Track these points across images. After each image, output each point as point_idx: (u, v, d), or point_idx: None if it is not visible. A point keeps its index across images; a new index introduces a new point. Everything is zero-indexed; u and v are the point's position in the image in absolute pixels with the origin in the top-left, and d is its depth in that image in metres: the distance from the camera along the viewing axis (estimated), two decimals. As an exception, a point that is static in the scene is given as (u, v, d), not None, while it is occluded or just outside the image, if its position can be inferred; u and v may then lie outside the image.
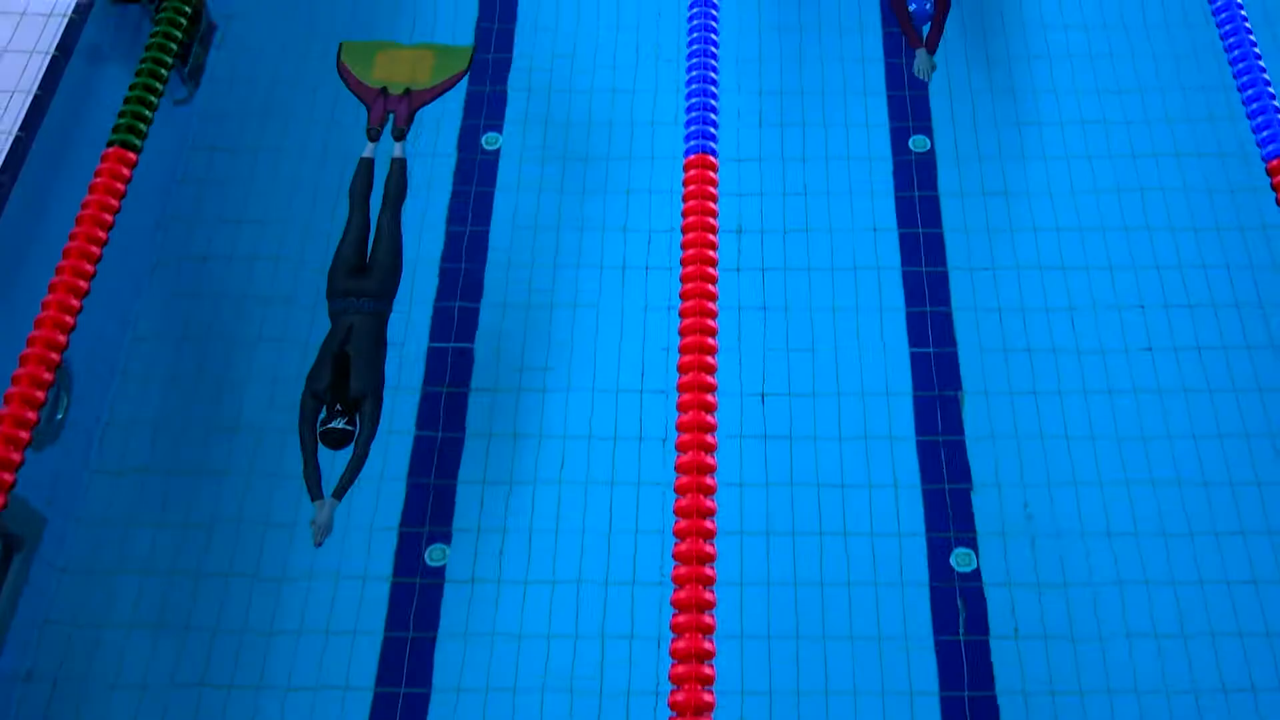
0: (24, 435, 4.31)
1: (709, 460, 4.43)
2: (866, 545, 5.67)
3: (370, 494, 5.64)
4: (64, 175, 5.80)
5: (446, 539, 5.67)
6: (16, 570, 5.14)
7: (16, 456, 4.27)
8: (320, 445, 5.24)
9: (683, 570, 4.06)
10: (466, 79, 6.61)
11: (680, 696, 3.95)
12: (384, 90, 6.20)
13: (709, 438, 4.51)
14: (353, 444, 5.25)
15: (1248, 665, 5.39)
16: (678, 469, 4.47)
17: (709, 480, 4.34)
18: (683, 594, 4.05)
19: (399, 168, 6.03)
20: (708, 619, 3.96)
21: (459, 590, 5.53)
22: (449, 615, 5.46)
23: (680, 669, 3.94)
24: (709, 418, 4.38)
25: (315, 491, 5.19)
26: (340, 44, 6.41)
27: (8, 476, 4.21)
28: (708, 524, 4.22)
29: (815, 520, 5.72)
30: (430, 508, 5.73)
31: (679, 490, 4.37)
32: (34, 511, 5.24)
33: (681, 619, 3.99)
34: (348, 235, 5.78)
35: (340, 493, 5.23)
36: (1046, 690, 5.32)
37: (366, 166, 6.01)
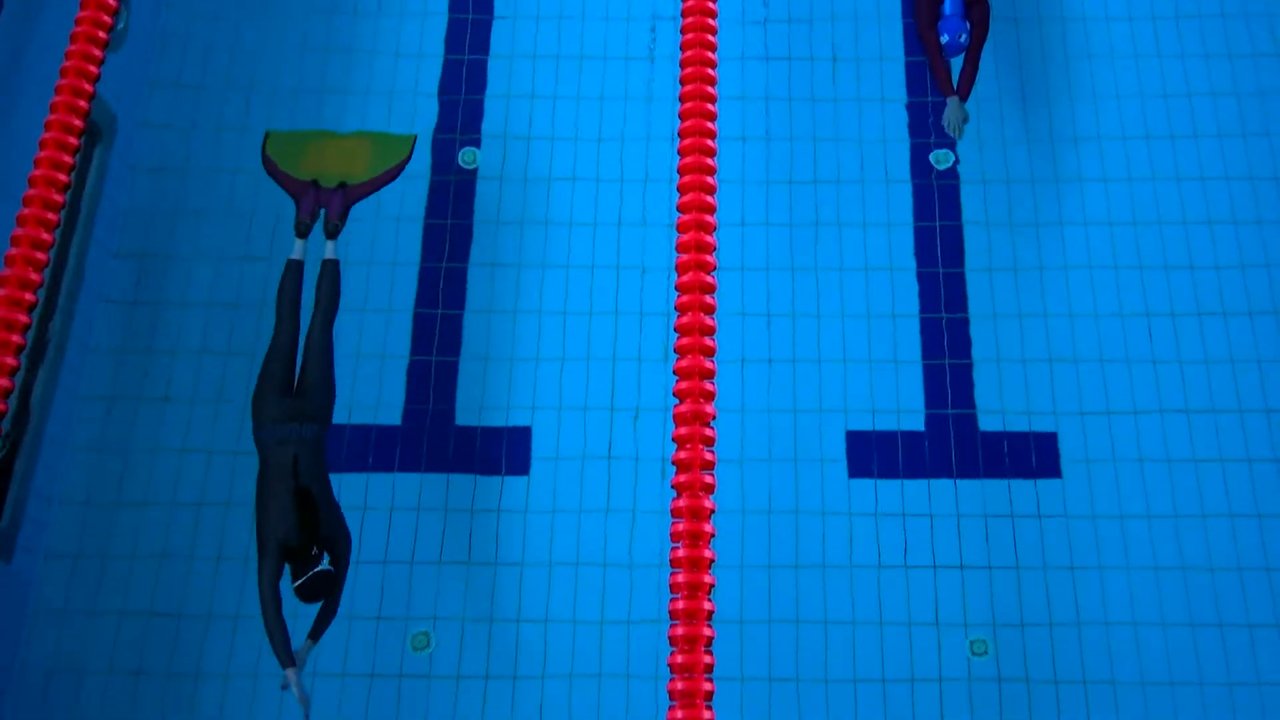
0: (102, 36, 4.59)
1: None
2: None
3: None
4: None
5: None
6: (99, 159, 5.71)
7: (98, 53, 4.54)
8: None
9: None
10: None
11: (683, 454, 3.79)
12: (315, 182, 5.40)
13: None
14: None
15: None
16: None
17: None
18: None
19: (331, 271, 5.20)
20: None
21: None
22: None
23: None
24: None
25: (288, 657, 4.49)
26: (266, 134, 5.56)
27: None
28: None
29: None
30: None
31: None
32: (107, 106, 5.63)
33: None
34: (276, 350, 4.99)
35: (317, 635, 4.68)
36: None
37: (295, 270, 5.17)
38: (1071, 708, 5.10)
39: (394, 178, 5.53)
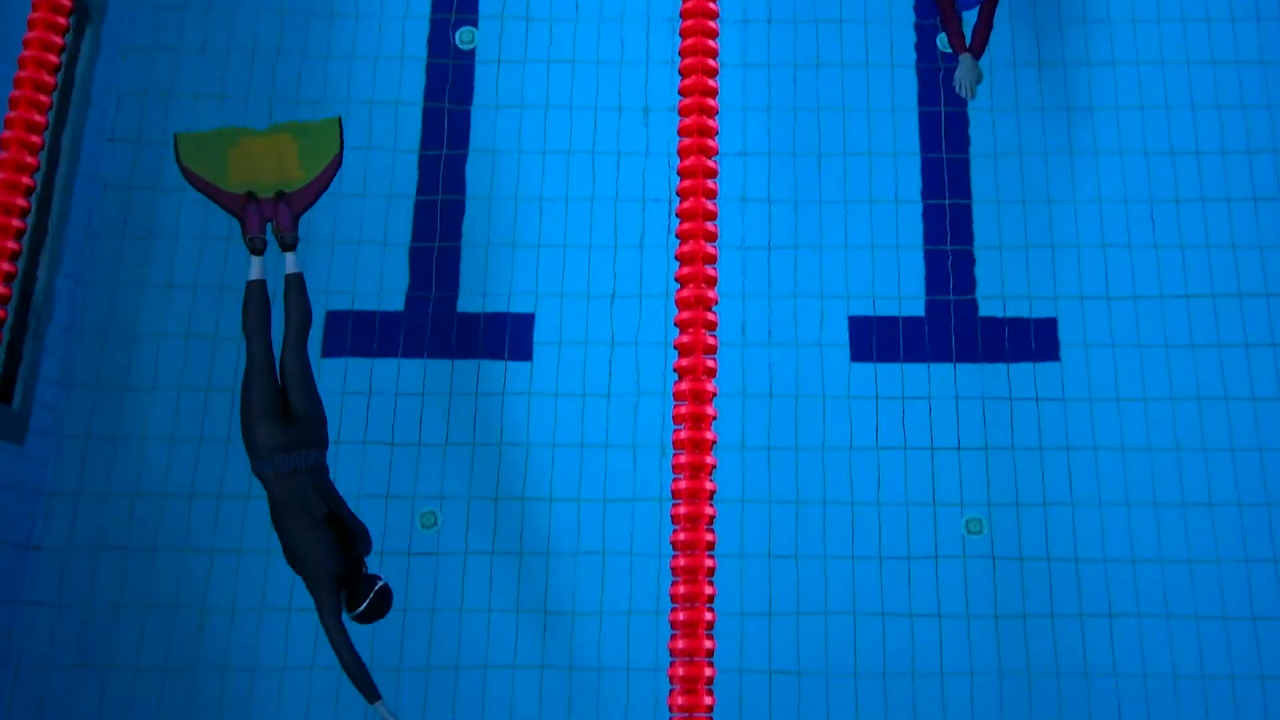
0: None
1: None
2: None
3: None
4: None
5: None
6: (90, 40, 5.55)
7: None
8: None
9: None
10: None
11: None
12: (250, 194, 4.91)
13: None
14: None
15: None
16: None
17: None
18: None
19: (297, 286, 4.81)
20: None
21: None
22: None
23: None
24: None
25: (374, 690, 4.40)
26: (175, 138, 4.96)
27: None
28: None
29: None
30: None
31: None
32: None
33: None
34: (252, 378, 4.61)
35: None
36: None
37: (257, 291, 4.75)
38: (1064, 585, 5.22)
39: (334, 174, 4.97)
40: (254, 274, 4.79)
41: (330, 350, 5.52)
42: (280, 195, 4.89)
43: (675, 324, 3.69)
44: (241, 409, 4.57)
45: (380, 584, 4.41)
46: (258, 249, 4.82)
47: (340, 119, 4.99)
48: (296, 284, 4.84)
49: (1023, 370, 5.52)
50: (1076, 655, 5.12)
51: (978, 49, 5.59)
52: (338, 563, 4.38)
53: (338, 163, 4.94)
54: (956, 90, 5.60)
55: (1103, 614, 5.17)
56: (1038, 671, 5.11)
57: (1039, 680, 5.10)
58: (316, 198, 4.95)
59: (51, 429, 5.27)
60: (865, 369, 5.52)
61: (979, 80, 5.57)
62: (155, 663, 5.08)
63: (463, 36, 6.02)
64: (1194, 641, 5.14)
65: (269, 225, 4.90)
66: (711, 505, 3.50)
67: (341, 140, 4.95)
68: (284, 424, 4.52)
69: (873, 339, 5.58)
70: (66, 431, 5.33)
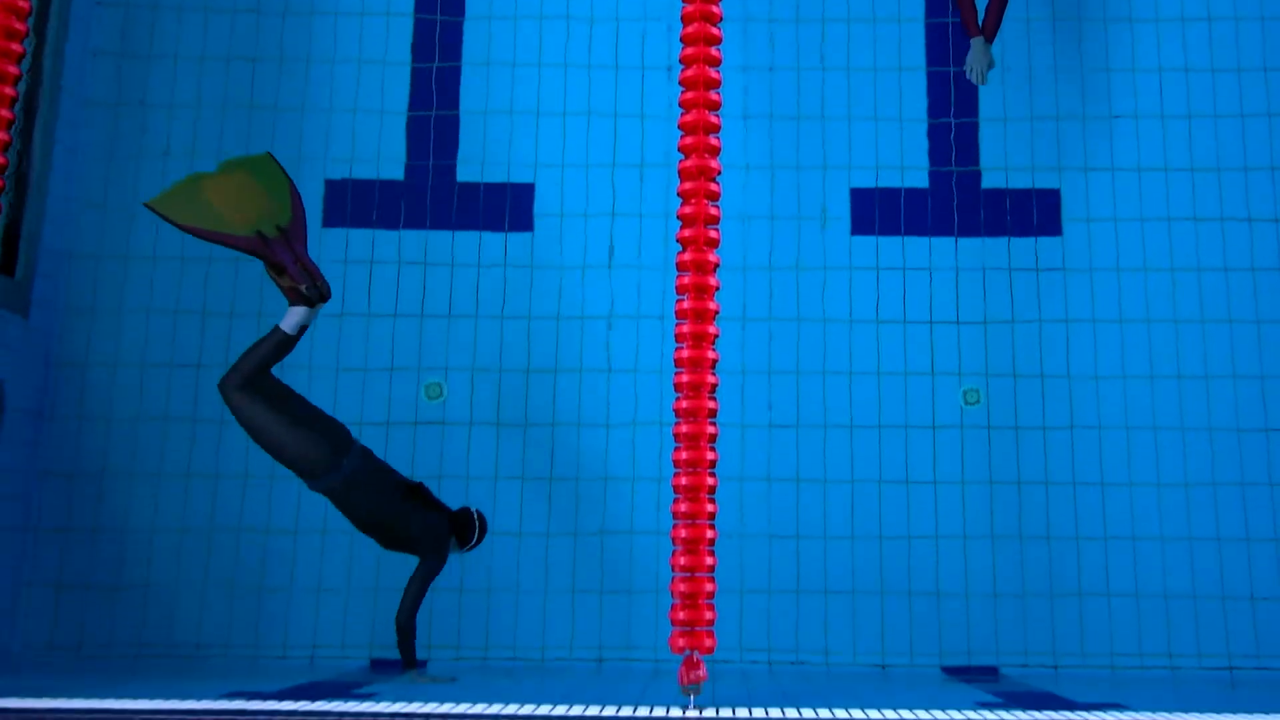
0: None
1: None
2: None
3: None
4: None
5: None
6: None
7: None
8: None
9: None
10: None
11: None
12: (260, 234, 4.47)
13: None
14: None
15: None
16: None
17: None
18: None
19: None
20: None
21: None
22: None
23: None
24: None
25: (413, 659, 4.48)
26: (151, 207, 4.46)
27: None
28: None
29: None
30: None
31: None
32: None
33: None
34: (271, 429, 4.36)
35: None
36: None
37: (285, 347, 4.37)
38: (1058, 453, 5.31)
39: (300, 200, 4.63)
40: (292, 329, 4.39)
41: (331, 220, 5.50)
42: (281, 230, 4.54)
43: (679, 194, 3.67)
44: (274, 450, 4.40)
45: (475, 512, 4.60)
46: (325, 295, 4.45)
47: (270, 153, 4.66)
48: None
49: (1024, 244, 5.51)
50: (1068, 521, 5.24)
51: (990, 32, 5.40)
52: (437, 520, 4.52)
53: (297, 192, 4.64)
54: (967, 75, 5.42)
55: (1095, 483, 5.27)
56: (1030, 535, 5.24)
57: (1030, 544, 5.23)
58: (305, 229, 4.64)
59: (55, 300, 5.27)
60: (867, 241, 5.52)
61: (991, 65, 5.37)
62: (170, 524, 5.18)
63: None
64: (1183, 507, 5.24)
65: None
66: (713, 374, 3.52)
67: (284, 170, 4.63)
68: (317, 437, 4.41)
69: (875, 211, 5.56)
70: (71, 304, 5.34)
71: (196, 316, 5.37)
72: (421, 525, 4.48)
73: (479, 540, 4.62)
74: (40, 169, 5.15)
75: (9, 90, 3.95)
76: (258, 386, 4.33)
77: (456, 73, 5.69)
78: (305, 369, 4.90)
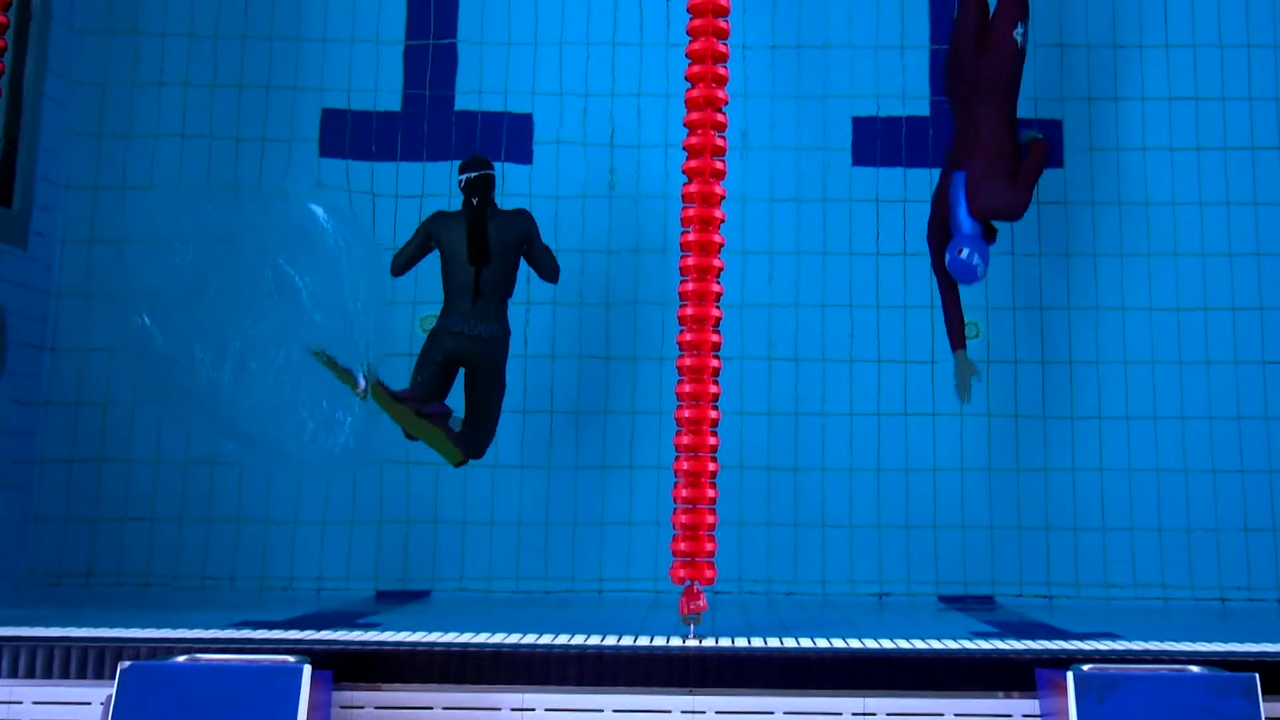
0: None
1: None
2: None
3: None
4: None
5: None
6: None
7: None
8: None
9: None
10: None
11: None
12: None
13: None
14: None
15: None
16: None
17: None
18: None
19: None
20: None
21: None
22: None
23: None
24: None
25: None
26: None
27: None
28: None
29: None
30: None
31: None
32: None
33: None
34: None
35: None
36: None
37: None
38: (1056, 387, 5.34)
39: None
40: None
41: (328, 151, 5.46)
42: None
43: (685, 124, 3.62)
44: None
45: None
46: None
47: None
48: None
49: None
50: (1065, 454, 5.29)
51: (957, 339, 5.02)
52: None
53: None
54: (957, 392, 5.04)
55: (1093, 415, 5.31)
56: (1026, 467, 5.28)
57: (1027, 476, 5.28)
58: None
59: (53, 231, 5.24)
60: (867, 172, 5.49)
61: (975, 374, 5.01)
62: (174, 457, 5.22)
63: None
64: (1178, 440, 5.29)
65: None
66: (717, 307, 3.50)
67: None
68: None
69: (876, 140, 5.51)
70: (69, 235, 5.30)
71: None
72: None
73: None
74: (33, 98, 5.09)
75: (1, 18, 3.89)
76: None
77: (453, 1, 5.61)
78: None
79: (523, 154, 5.51)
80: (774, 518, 5.24)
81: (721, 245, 3.55)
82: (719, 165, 3.61)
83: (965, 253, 4.79)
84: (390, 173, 5.45)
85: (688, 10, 3.70)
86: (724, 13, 3.71)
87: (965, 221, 4.82)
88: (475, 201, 4.65)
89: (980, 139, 4.83)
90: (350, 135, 5.48)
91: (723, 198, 3.59)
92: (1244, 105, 5.50)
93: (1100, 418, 5.30)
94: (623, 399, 5.35)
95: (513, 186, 5.42)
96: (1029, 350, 5.37)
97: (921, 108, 5.55)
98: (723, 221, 3.58)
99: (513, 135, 5.52)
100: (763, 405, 5.31)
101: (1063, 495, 5.26)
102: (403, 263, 4.75)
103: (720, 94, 3.64)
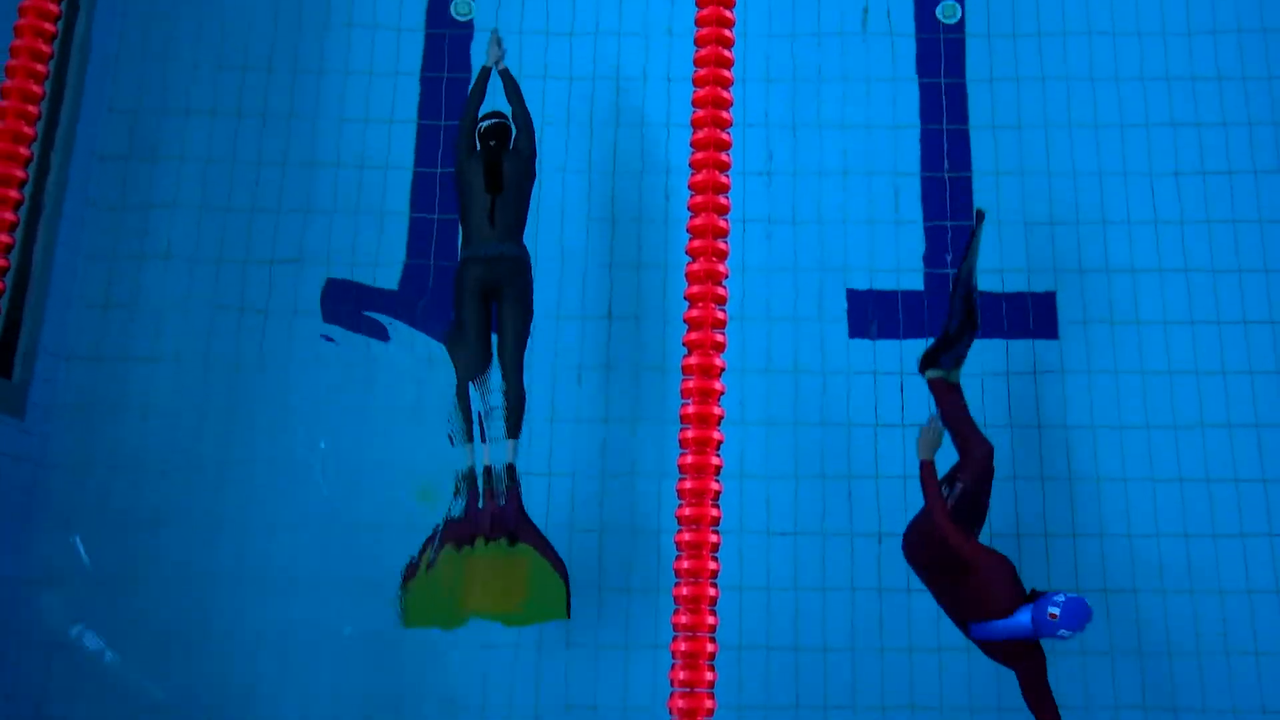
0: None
1: None
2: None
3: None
4: None
5: None
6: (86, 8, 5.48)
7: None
8: None
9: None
10: None
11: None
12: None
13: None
14: None
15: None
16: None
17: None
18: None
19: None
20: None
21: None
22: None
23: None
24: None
25: None
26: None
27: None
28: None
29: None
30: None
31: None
32: None
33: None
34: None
35: None
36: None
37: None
38: (1060, 559, 5.26)
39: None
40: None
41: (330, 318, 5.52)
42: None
43: (685, 297, 3.69)
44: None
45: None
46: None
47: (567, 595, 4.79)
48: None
49: (1021, 346, 5.53)
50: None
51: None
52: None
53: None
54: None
55: (1098, 589, 5.18)
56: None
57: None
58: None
59: (51, 402, 5.24)
60: (863, 344, 5.54)
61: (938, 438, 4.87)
62: (163, 629, 5.05)
63: (459, 8, 5.98)
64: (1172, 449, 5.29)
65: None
66: (719, 430, 3.47)
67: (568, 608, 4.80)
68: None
69: (871, 313, 5.58)
70: (66, 404, 5.29)
71: (194, 416, 5.33)
72: None
73: None
74: (42, 270, 5.16)
75: (13, 193, 3.98)
76: None
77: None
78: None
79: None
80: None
81: (721, 417, 3.57)
82: (719, 337, 3.64)
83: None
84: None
85: (689, 187, 3.83)
86: (724, 190, 3.81)
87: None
88: (493, 144, 5.18)
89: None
90: (351, 306, 5.53)
91: (723, 369, 3.62)
92: (1234, 277, 5.59)
93: (1105, 590, 5.18)
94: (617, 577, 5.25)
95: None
96: (1030, 523, 5.31)
97: (915, 281, 5.63)
98: (723, 393, 3.60)
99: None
100: (761, 580, 5.20)
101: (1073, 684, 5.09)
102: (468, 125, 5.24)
103: (720, 267, 3.71)
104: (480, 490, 4.92)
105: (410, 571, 4.80)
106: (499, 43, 5.36)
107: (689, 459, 3.46)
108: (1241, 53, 5.87)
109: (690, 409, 3.52)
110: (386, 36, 5.89)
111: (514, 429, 4.97)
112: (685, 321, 3.60)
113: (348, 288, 5.54)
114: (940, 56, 5.93)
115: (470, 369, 5.03)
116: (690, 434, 3.49)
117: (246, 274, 5.49)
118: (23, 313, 5.05)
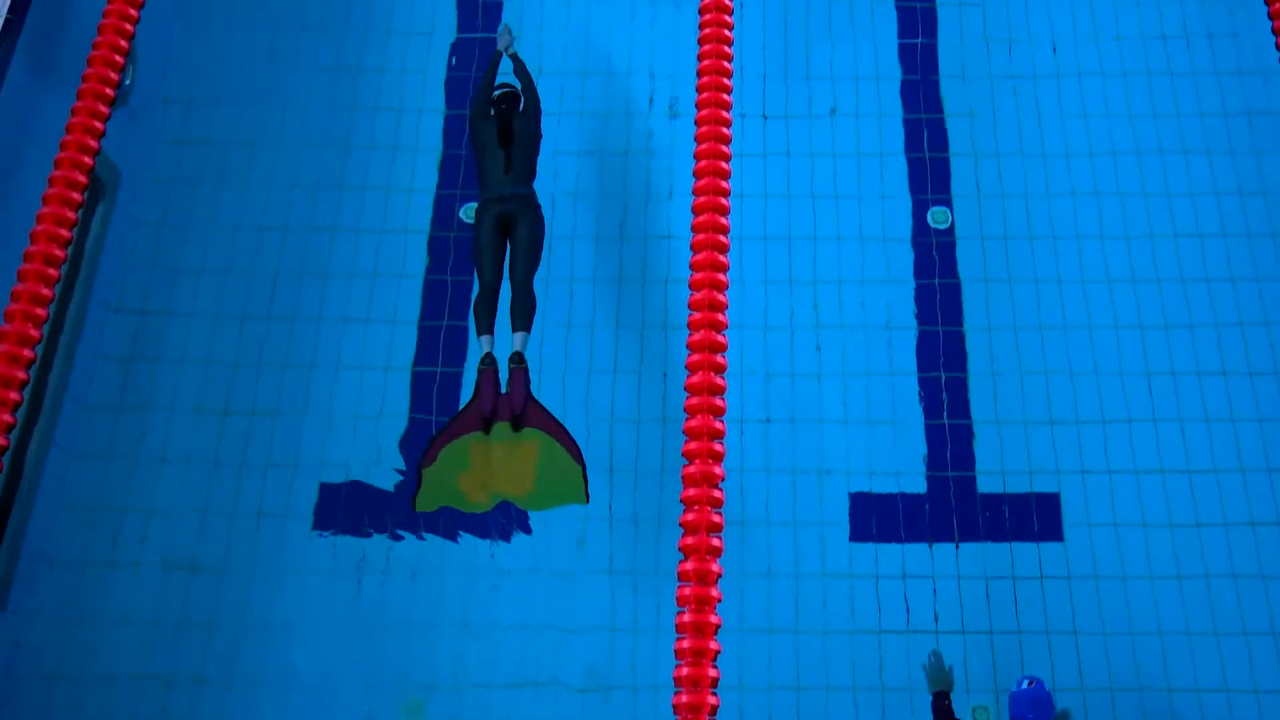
0: (108, 93, 4.64)
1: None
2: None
3: None
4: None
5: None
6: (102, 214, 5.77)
7: (104, 109, 4.60)
8: None
9: None
10: None
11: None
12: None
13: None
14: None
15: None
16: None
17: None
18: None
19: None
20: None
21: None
22: None
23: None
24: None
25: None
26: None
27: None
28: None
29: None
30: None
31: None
32: (112, 164, 5.76)
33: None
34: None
35: None
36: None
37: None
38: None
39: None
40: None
41: (321, 524, 5.44)
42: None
43: (681, 500, 3.64)
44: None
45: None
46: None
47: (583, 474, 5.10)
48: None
49: (1026, 549, 5.43)
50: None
51: None
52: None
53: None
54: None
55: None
56: None
57: None
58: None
59: (29, 605, 5.10)
60: (865, 548, 5.44)
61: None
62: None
63: (467, 211, 6.12)
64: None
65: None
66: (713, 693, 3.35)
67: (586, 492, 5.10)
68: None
69: (872, 516, 5.50)
70: (45, 609, 5.16)
71: (171, 626, 5.19)
72: None
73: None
74: (34, 471, 5.13)
75: (13, 395, 3.98)
76: None
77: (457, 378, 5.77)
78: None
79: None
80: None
81: (718, 627, 3.49)
82: (715, 542, 3.61)
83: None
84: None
85: (684, 389, 3.86)
86: (720, 391, 3.85)
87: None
88: (504, 107, 5.75)
89: None
90: (343, 510, 5.47)
91: (719, 575, 3.57)
92: (1237, 477, 5.53)
93: None
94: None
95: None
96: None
97: (917, 484, 5.58)
98: (719, 600, 3.54)
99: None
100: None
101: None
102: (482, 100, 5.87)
103: (716, 470, 3.72)
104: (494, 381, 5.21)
105: (425, 459, 5.12)
106: (509, 30, 6.06)
107: (684, 672, 3.38)
108: (1229, 256, 6.00)
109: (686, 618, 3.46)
110: (393, 240, 6.06)
111: (523, 324, 5.31)
112: (681, 525, 3.59)
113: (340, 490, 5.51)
114: (935, 260, 6.05)
115: (486, 283, 5.40)
116: (686, 644, 3.41)
117: (241, 479, 5.47)
118: (10, 513, 4.98)
